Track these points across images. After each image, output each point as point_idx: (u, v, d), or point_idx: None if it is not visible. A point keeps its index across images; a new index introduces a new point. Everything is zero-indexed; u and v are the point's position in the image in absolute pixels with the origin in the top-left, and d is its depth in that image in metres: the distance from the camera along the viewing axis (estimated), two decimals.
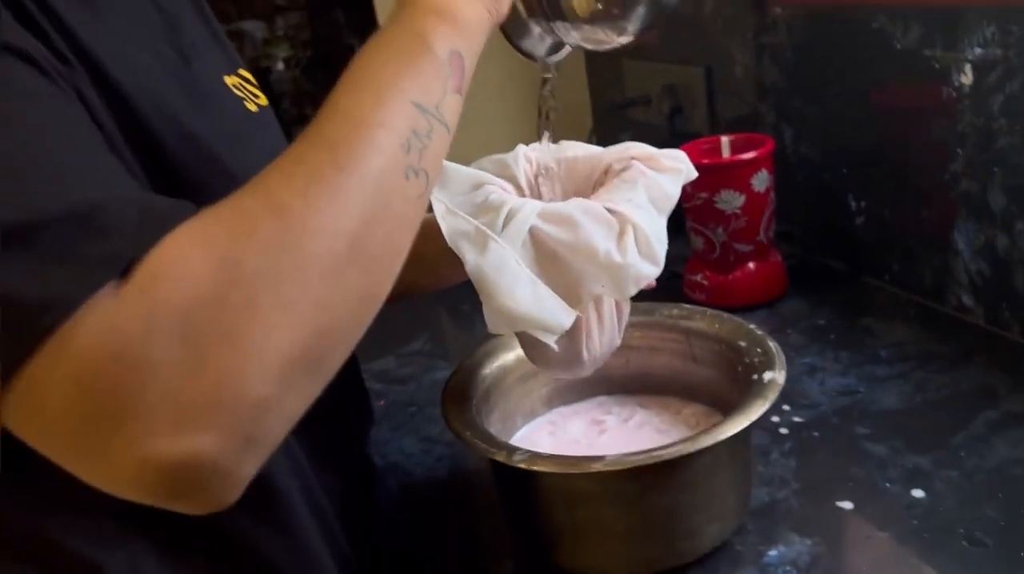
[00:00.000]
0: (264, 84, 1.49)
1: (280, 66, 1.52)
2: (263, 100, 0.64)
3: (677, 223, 1.00)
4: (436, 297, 0.78)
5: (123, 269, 0.35)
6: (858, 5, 0.92)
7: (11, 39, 0.39)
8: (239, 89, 0.61)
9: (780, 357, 0.62)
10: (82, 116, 0.42)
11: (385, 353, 1.04)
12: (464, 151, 0.58)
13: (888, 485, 0.66)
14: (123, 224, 0.36)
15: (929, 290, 0.93)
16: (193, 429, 0.35)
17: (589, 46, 0.58)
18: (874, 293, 1.00)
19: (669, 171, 0.57)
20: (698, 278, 1.01)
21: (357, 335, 0.42)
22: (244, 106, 0.59)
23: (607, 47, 0.58)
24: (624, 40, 0.57)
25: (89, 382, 0.34)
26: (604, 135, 1.57)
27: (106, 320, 0.34)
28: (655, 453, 0.55)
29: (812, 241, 1.10)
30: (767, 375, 0.60)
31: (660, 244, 0.55)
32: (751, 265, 0.99)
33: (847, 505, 0.64)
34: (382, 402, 0.93)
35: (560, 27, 0.56)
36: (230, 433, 0.35)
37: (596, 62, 1.55)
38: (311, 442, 0.54)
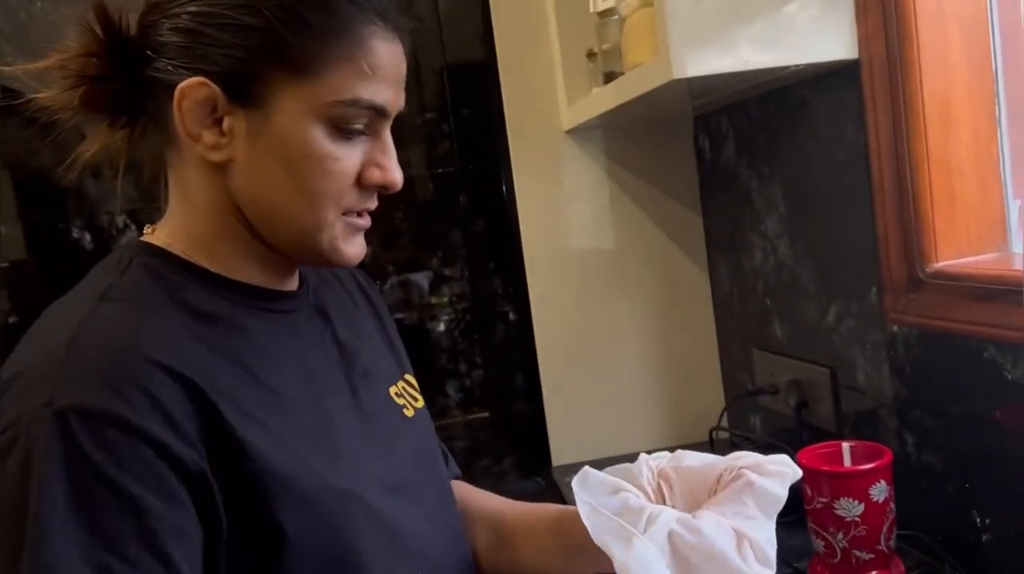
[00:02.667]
0: (425, 339, 1.70)
1: (441, 327, 1.74)
2: (420, 403, 0.79)
3: (803, 518, 1.04)
4: None
5: None
6: (967, 334, 1.00)
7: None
8: (401, 396, 0.76)
9: None
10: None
11: None
12: None
13: None
14: None
15: None
16: None
17: None
18: None
19: (776, 475, 0.66)
20: None
21: None
22: (402, 412, 0.74)
23: None
24: None
25: None
26: (734, 417, 1.65)
27: None
28: None
29: (937, 551, 1.10)
30: None
31: (772, 549, 0.63)
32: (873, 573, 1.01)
33: None
34: None
35: None
36: None
37: (728, 348, 1.67)
38: None
